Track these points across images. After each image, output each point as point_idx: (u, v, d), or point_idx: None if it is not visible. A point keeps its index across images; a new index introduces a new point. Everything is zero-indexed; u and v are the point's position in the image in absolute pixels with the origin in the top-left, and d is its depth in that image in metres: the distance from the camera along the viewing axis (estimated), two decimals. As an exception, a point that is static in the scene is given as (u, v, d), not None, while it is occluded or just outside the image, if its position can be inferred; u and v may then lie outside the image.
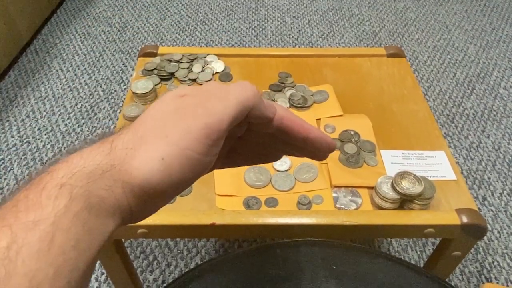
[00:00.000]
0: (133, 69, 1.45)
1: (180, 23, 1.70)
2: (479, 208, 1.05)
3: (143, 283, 0.91)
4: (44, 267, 0.19)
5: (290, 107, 0.77)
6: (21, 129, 1.24)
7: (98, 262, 0.80)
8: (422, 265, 0.89)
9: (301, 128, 0.30)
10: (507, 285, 0.92)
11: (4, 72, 1.42)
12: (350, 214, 0.59)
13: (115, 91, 1.38)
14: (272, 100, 0.77)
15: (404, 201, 0.60)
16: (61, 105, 1.32)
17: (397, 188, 0.58)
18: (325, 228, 0.58)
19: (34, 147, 1.19)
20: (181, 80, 0.81)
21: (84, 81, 1.41)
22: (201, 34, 1.65)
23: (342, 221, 0.58)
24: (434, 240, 0.99)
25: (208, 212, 0.59)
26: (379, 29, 1.69)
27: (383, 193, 0.59)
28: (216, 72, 0.83)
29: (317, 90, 0.79)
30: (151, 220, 0.55)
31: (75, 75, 1.44)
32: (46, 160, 1.15)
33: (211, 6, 1.81)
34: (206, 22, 1.71)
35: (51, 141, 1.21)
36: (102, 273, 0.91)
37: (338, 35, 1.65)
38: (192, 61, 0.84)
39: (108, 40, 1.60)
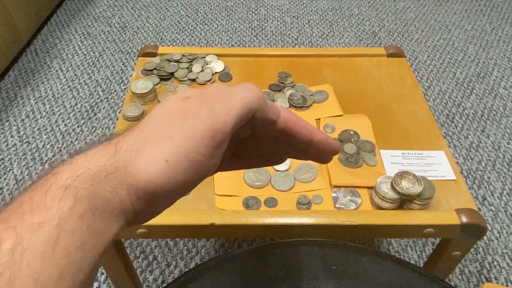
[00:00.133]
0: (133, 69, 1.45)
1: (180, 23, 1.70)
2: (479, 208, 1.05)
3: (143, 283, 0.91)
4: (48, 269, 0.19)
5: (289, 107, 0.77)
6: (21, 129, 1.24)
7: (98, 262, 0.79)
8: (422, 265, 0.89)
9: (306, 131, 0.30)
10: (507, 285, 0.92)
11: (4, 72, 1.42)
12: (350, 214, 0.59)
13: (115, 91, 1.38)
14: (272, 100, 0.77)
15: (404, 201, 0.60)
16: (61, 105, 1.32)
17: (397, 188, 0.58)
18: (325, 228, 0.58)
19: (34, 147, 1.19)
20: (181, 80, 0.81)
21: (84, 81, 1.41)
22: (201, 34, 1.65)
23: (342, 221, 0.58)
24: (434, 240, 0.99)
25: (208, 212, 0.59)
26: (379, 29, 1.69)
27: (382, 193, 0.59)
28: (216, 72, 0.83)
29: (317, 90, 0.79)
30: (150, 220, 0.55)
31: (75, 75, 1.44)
32: (46, 160, 1.15)
33: (211, 6, 1.81)
34: (206, 22, 1.71)
35: (51, 141, 1.21)
36: (102, 273, 0.91)
37: (338, 35, 1.65)
38: (192, 61, 0.84)
39: (108, 40, 1.60)
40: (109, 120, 1.27)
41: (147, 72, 0.82)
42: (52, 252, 0.19)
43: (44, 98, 1.34)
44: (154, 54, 0.86)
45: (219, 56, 0.86)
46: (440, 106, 1.35)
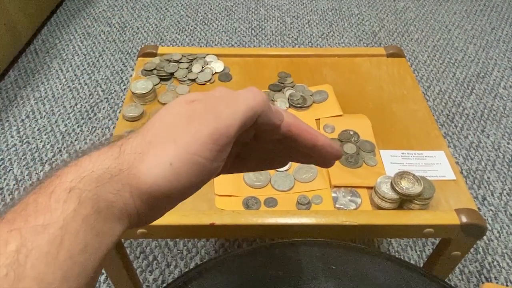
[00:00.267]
0: (132, 69, 1.45)
1: (179, 23, 1.70)
2: (478, 208, 1.05)
3: (143, 283, 0.91)
4: (52, 271, 0.19)
5: (289, 107, 0.77)
6: (20, 129, 1.24)
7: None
8: (422, 265, 0.89)
9: (309, 135, 0.30)
10: (507, 285, 0.92)
11: (3, 72, 1.42)
12: (350, 214, 0.59)
13: (115, 91, 1.38)
14: (272, 100, 0.77)
15: (404, 201, 0.60)
16: (61, 105, 1.32)
17: (397, 188, 0.58)
18: (325, 228, 0.58)
19: (34, 147, 1.19)
20: (181, 80, 0.81)
21: (84, 81, 1.41)
22: (200, 34, 1.65)
23: (342, 221, 0.58)
24: (434, 240, 0.99)
25: (208, 212, 0.59)
26: (379, 29, 1.69)
27: (382, 193, 0.59)
28: (216, 72, 0.83)
29: (317, 90, 0.79)
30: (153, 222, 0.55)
31: (75, 75, 1.44)
32: (46, 161, 1.15)
33: (211, 6, 1.81)
34: (206, 22, 1.71)
35: (50, 141, 1.21)
36: (102, 273, 0.91)
37: (337, 35, 1.65)
38: (192, 61, 0.84)
39: (108, 40, 1.60)
40: (109, 120, 1.27)
41: (147, 72, 0.82)
42: (56, 254, 0.19)
43: (44, 98, 1.34)
44: (154, 54, 0.86)
45: (219, 56, 0.87)
46: (440, 106, 1.35)
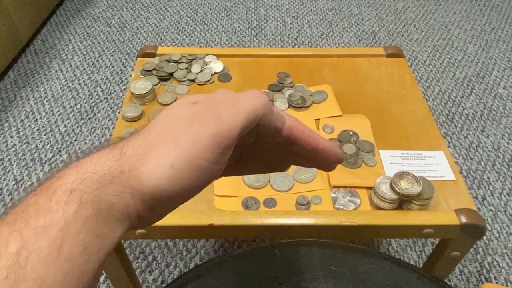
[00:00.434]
0: (132, 70, 1.45)
1: (179, 23, 1.70)
2: (478, 208, 1.05)
3: (142, 284, 0.91)
4: (53, 273, 0.19)
5: (289, 107, 0.77)
6: (20, 130, 1.24)
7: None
8: (421, 265, 0.89)
9: (311, 139, 0.30)
10: (507, 285, 0.92)
11: (3, 72, 1.42)
12: (349, 214, 0.59)
13: (115, 91, 1.38)
14: (271, 100, 0.77)
15: (403, 202, 0.60)
16: (61, 105, 1.32)
17: (396, 189, 0.58)
18: (324, 228, 0.58)
19: (34, 148, 1.19)
20: (180, 81, 0.81)
21: (84, 81, 1.41)
22: (200, 34, 1.65)
23: (341, 221, 0.58)
24: (433, 240, 0.99)
25: (207, 212, 0.59)
26: (379, 29, 1.69)
27: (381, 193, 0.59)
28: (215, 73, 0.83)
29: (316, 90, 0.79)
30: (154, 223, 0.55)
31: (75, 75, 1.44)
32: (46, 161, 1.15)
33: (211, 6, 1.81)
34: (206, 22, 1.71)
35: (50, 141, 1.21)
36: (101, 274, 0.91)
37: (337, 35, 1.65)
38: (191, 62, 0.84)
39: (108, 41, 1.60)
40: (108, 121, 1.27)
41: (146, 72, 0.82)
42: (56, 255, 0.19)
43: (44, 99, 1.34)
44: (153, 55, 0.86)
45: (218, 56, 0.86)
46: (439, 106, 1.35)
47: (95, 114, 1.29)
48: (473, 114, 1.32)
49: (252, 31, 1.67)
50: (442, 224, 0.58)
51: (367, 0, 1.87)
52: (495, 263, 0.96)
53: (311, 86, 0.81)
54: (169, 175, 0.23)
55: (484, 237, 1.00)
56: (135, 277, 0.76)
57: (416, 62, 1.53)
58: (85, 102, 1.33)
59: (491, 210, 1.06)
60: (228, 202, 0.61)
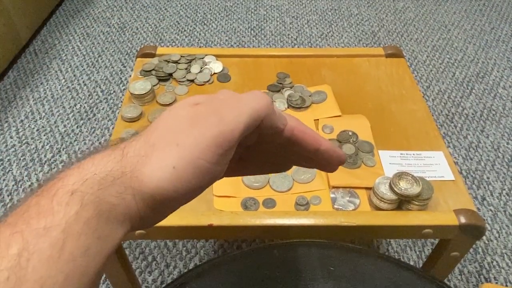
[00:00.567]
0: (132, 70, 1.45)
1: (179, 24, 1.70)
2: (478, 208, 1.05)
3: (142, 284, 0.91)
4: (54, 274, 0.19)
5: (288, 107, 0.77)
6: (20, 130, 1.24)
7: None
8: (421, 265, 0.89)
9: (312, 140, 0.30)
10: (506, 285, 0.92)
11: (3, 73, 1.42)
12: (348, 214, 0.59)
13: (114, 91, 1.38)
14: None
15: (402, 202, 0.60)
16: (60, 105, 1.32)
17: (395, 189, 0.58)
18: (323, 229, 0.58)
19: (33, 148, 1.19)
20: (179, 81, 0.81)
21: (83, 81, 1.41)
22: (200, 34, 1.65)
23: (340, 222, 0.58)
24: (433, 240, 0.99)
25: (206, 213, 0.59)
26: (378, 29, 1.69)
27: (381, 193, 0.59)
28: (214, 73, 0.83)
29: (316, 90, 0.79)
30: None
31: (74, 75, 1.44)
32: (45, 161, 1.15)
33: (210, 6, 1.81)
34: (205, 22, 1.71)
35: (50, 141, 1.21)
36: (103, 275, 0.91)
37: (337, 35, 1.65)
38: (190, 62, 0.84)
39: (107, 41, 1.60)
40: (108, 121, 1.27)
41: (146, 73, 0.82)
42: (58, 257, 0.19)
43: (43, 99, 1.34)
44: (152, 55, 0.86)
45: (217, 56, 0.86)
46: (439, 106, 1.35)
47: (94, 115, 1.29)
48: (472, 114, 1.32)
49: (252, 31, 1.66)
50: (442, 224, 0.58)
51: (367, 0, 1.87)
52: (494, 263, 0.96)
53: (310, 87, 0.80)
54: (171, 176, 0.23)
55: (484, 237, 1.00)
56: (134, 277, 0.76)
57: (415, 62, 1.53)
58: (85, 103, 1.33)
59: (490, 210, 1.06)
60: (228, 202, 0.61)
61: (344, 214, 0.59)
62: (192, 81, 0.81)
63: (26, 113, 1.29)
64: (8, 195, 1.07)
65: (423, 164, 0.66)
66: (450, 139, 1.24)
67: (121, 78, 1.43)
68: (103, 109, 1.31)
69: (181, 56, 0.85)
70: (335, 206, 0.61)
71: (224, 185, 0.63)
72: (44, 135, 1.22)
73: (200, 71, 0.83)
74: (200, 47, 1.58)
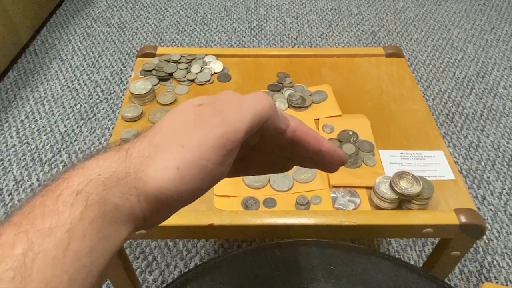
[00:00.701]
0: (132, 70, 1.45)
1: (179, 24, 1.70)
2: (478, 208, 1.05)
3: (143, 284, 0.91)
4: (59, 274, 0.19)
5: (288, 107, 0.77)
6: (20, 130, 1.24)
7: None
8: (421, 265, 0.89)
9: (314, 141, 0.30)
10: (507, 285, 0.92)
11: (3, 73, 1.42)
12: (349, 214, 0.59)
13: (114, 91, 1.38)
14: (271, 100, 0.77)
15: (403, 201, 0.60)
16: (60, 105, 1.32)
17: (395, 188, 0.58)
18: (324, 228, 0.58)
19: (33, 148, 1.19)
20: (180, 81, 0.81)
21: (83, 81, 1.41)
22: (200, 34, 1.65)
23: (341, 221, 0.58)
24: (433, 239, 0.99)
25: (207, 212, 0.59)
26: (378, 29, 1.69)
27: (381, 193, 0.59)
28: (215, 73, 0.83)
29: (316, 90, 0.79)
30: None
31: (74, 75, 1.44)
32: (46, 161, 1.15)
33: (210, 6, 1.81)
34: (205, 22, 1.71)
35: (50, 141, 1.21)
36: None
37: (337, 35, 1.65)
38: (191, 62, 0.84)
39: (107, 41, 1.60)
40: (108, 121, 1.27)
41: (146, 72, 0.82)
42: (62, 257, 0.20)
43: (44, 99, 1.34)
44: (153, 55, 0.86)
45: (218, 56, 0.86)
46: (439, 105, 1.35)
47: (95, 115, 1.29)
48: (473, 113, 1.32)
49: (252, 31, 1.67)
50: (442, 223, 0.58)
51: (367, 0, 1.87)
52: (495, 262, 0.96)
53: (310, 86, 0.81)
54: (175, 176, 0.23)
55: (484, 237, 1.00)
56: (135, 277, 0.76)
57: (415, 62, 1.53)
58: (85, 102, 1.33)
59: (491, 209, 1.06)
60: (228, 202, 0.61)
61: (345, 214, 0.59)
62: (192, 80, 0.81)
63: (27, 113, 1.29)
64: (8, 195, 1.07)
65: (423, 163, 0.66)
66: (450, 139, 1.24)
67: (121, 78, 1.43)
68: (103, 109, 1.31)
69: (181, 56, 0.85)
70: (336, 206, 0.61)
71: (224, 185, 0.63)
72: (45, 135, 1.23)
73: (201, 71, 0.83)
74: (200, 47, 1.58)
